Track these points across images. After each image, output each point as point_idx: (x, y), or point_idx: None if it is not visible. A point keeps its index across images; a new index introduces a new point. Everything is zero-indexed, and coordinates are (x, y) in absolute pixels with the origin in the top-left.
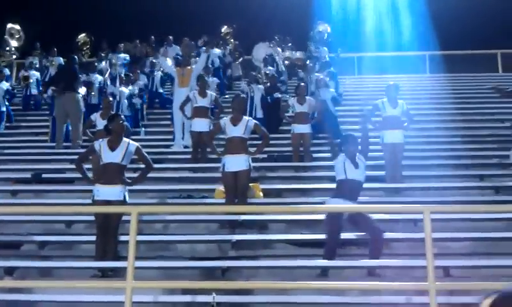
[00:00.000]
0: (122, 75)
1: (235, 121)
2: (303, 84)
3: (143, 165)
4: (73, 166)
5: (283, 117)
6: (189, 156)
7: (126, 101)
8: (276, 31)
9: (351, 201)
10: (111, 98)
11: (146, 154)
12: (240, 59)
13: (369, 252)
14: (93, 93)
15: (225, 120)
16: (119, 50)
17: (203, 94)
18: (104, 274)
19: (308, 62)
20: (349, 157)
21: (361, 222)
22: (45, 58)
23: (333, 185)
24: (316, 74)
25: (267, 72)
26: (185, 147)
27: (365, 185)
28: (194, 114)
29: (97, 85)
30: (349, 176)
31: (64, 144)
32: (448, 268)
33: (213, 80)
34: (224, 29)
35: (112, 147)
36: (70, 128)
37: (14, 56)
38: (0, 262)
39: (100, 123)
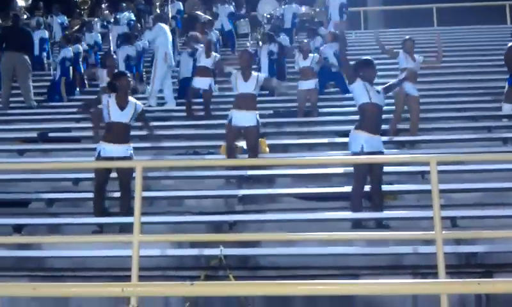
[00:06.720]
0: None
1: (246, 77)
2: (305, 40)
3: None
4: (79, 125)
5: (289, 56)
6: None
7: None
8: None
9: (375, 135)
10: (115, 56)
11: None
12: (247, 18)
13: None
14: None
15: (236, 74)
16: (121, 10)
17: (208, 54)
18: (103, 229)
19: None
20: (367, 82)
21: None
22: (46, 17)
23: (338, 140)
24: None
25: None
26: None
27: None
28: (197, 72)
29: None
30: (372, 99)
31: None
32: (455, 219)
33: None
34: None
35: (121, 106)
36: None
37: (24, 16)
38: (9, 220)
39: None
